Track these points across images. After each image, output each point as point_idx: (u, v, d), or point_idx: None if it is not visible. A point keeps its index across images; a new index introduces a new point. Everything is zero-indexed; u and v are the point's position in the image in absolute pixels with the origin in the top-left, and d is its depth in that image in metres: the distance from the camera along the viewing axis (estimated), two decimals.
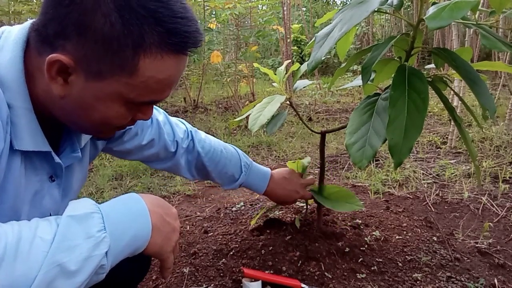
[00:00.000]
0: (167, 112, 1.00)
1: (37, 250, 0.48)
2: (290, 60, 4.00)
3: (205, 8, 3.99)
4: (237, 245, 1.18)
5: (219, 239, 1.26)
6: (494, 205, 1.58)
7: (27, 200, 0.62)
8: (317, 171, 2.11)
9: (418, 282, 1.04)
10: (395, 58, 0.96)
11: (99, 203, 0.57)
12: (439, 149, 2.40)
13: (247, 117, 1.12)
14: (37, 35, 0.55)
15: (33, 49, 0.57)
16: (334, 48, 1.00)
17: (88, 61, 0.53)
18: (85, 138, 0.72)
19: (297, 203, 1.31)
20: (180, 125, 1.02)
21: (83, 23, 0.51)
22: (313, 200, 1.20)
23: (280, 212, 1.35)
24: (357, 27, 0.77)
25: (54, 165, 0.64)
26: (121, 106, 0.59)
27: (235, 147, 1.13)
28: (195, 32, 0.57)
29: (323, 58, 0.78)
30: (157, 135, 0.93)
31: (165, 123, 0.96)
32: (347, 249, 1.12)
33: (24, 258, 0.47)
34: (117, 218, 0.56)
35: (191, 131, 1.04)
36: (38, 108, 0.59)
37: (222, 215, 1.49)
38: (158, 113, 0.96)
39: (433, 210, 1.56)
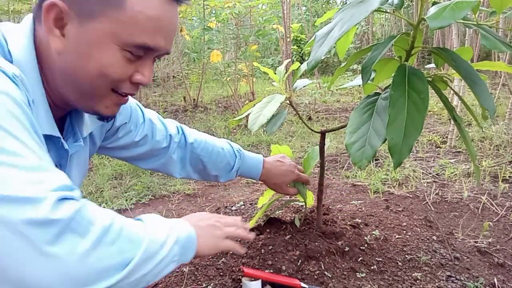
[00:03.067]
0: (166, 111, 1.01)
1: (135, 237, 0.53)
2: (290, 59, 4.00)
3: (205, 7, 3.98)
4: None
5: None
6: (494, 204, 1.59)
7: None
8: (316, 170, 2.11)
9: (417, 281, 1.04)
10: (395, 58, 0.96)
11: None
12: (438, 149, 2.40)
13: (247, 116, 1.12)
14: (35, 7, 0.59)
15: (37, 27, 0.60)
16: (334, 47, 1.00)
17: (79, 2, 0.56)
18: (87, 127, 0.74)
19: (297, 202, 1.31)
20: (171, 122, 1.05)
21: None
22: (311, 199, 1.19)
23: (280, 211, 1.35)
24: (357, 26, 0.77)
25: (61, 153, 0.66)
26: (116, 51, 0.59)
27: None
28: None
29: (322, 57, 0.78)
30: (150, 131, 0.96)
31: (157, 120, 0.99)
32: (346, 248, 1.12)
33: (125, 241, 0.52)
34: (185, 245, 0.63)
35: (180, 126, 1.06)
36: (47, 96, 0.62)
37: (221, 214, 1.49)
38: (150, 112, 0.99)
39: (432, 209, 1.57)
